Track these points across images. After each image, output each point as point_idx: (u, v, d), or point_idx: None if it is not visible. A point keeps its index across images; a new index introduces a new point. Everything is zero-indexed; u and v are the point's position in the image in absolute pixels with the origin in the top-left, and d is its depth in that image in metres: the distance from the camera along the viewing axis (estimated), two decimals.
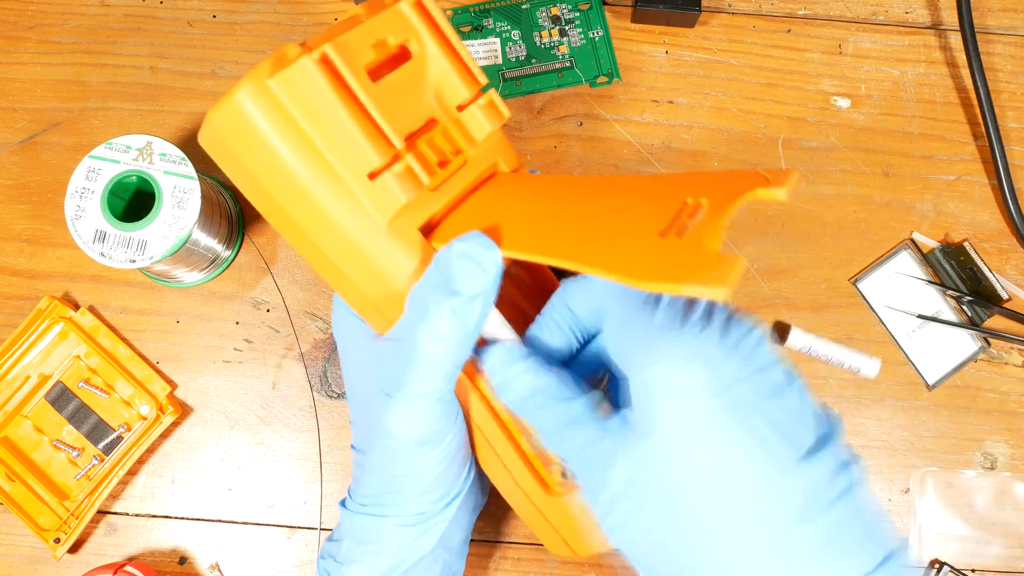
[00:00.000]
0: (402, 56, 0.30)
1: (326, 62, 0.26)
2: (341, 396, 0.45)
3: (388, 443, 0.29)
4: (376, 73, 0.28)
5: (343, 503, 0.33)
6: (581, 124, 0.49)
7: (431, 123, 0.30)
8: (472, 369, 0.30)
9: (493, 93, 0.31)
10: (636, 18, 0.49)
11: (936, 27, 0.51)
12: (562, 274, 0.35)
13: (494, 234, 0.28)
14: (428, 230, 0.30)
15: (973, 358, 0.47)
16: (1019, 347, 0.47)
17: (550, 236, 0.27)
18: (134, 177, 0.40)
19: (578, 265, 0.25)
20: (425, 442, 0.29)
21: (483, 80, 0.31)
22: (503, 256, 0.27)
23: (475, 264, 0.27)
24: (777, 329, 0.46)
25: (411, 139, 0.29)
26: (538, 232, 0.28)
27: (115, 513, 0.44)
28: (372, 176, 0.27)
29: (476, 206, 0.30)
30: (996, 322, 0.47)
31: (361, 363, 0.32)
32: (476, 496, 0.35)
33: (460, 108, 0.31)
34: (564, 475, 0.31)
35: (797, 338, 0.46)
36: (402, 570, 0.32)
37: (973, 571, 0.45)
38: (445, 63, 0.30)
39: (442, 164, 0.29)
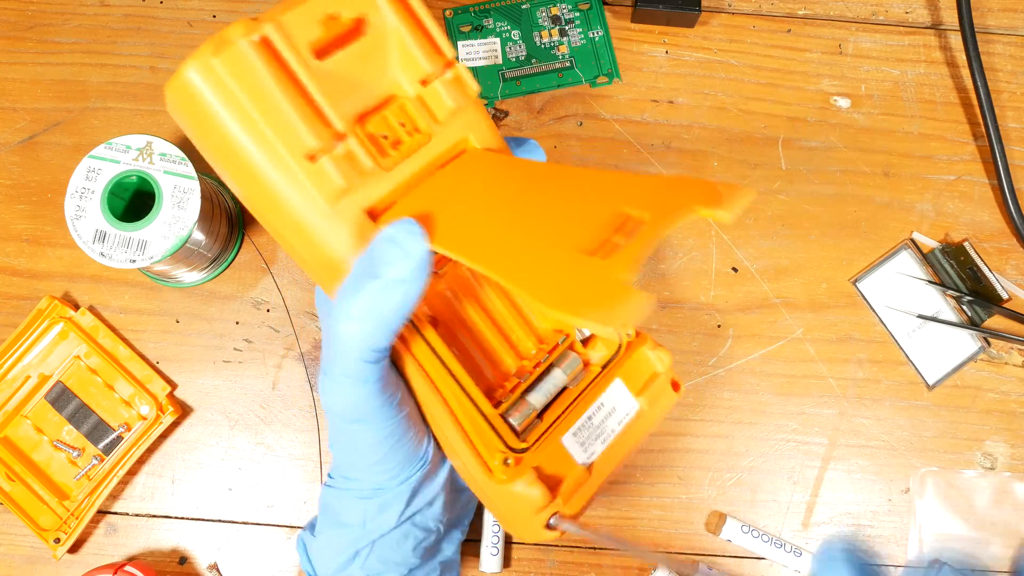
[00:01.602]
0: (357, 30, 0.29)
1: (265, 44, 0.26)
2: None
3: (330, 418, 0.30)
4: (325, 50, 0.28)
5: (323, 485, 0.34)
6: (581, 124, 0.49)
7: (390, 100, 0.29)
8: (411, 346, 0.30)
9: (460, 67, 0.30)
10: (636, 18, 0.49)
11: (936, 27, 0.51)
12: None
13: (431, 224, 0.28)
14: (378, 212, 0.29)
15: (973, 358, 0.47)
16: (1019, 347, 0.47)
17: (479, 237, 0.27)
18: (134, 177, 0.40)
19: (496, 276, 0.25)
20: (357, 420, 0.29)
21: (450, 54, 0.30)
22: (434, 250, 0.27)
23: (399, 250, 0.27)
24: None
25: (364, 117, 0.28)
26: (470, 230, 0.27)
27: (115, 513, 0.44)
28: (311, 159, 0.27)
29: (433, 188, 0.30)
30: (996, 322, 0.47)
31: (323, 336, 0.33)
32: (453, 481, 0.34)
33: (424, 83, 0.30)
34: (506, 462, 0.31)
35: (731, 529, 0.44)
36: (367, 541, 0.32)
37: (973, 571, 0.45)
38: (407, 36, 0.29)
39: (395, 144, 0.29)
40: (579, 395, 0.33)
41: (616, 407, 0.33)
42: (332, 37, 0.28)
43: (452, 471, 0.33)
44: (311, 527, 0.35)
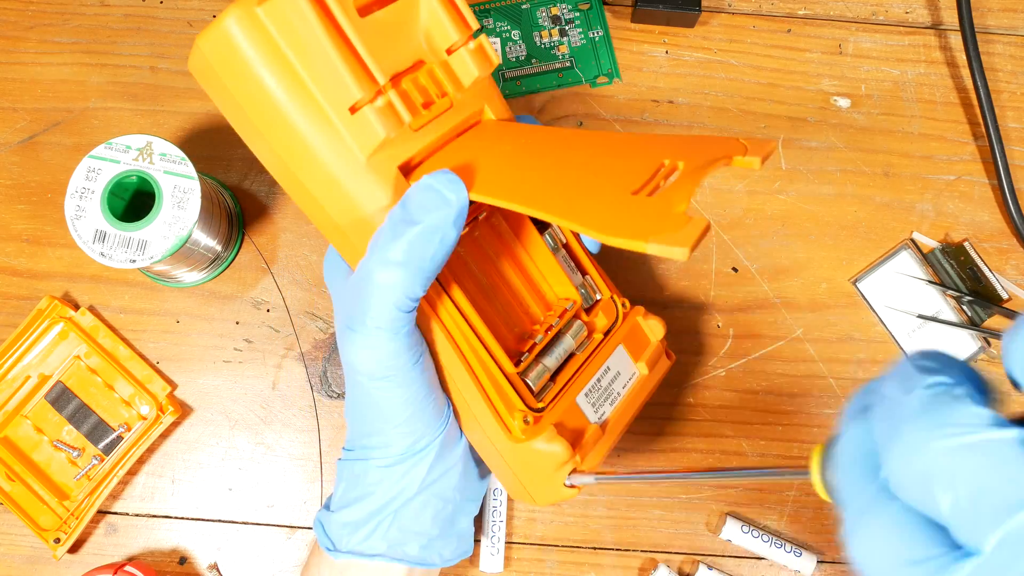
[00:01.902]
0: None
1: None
2: (341, 396, 0.45)
3: (356, 378, 0.30)
4: (366, 9, 0.28)
5: (339, 459, 0.34)
6: (581, 124, 0.49)
7: (419, 64, 0.30)
8: (436, 306, 0.31)
9: (484, 39, 0.31)
10: (636, 18, 0.49)
11: (936, 27, 0.51)
12: (544, 227, 0.36)
13: (468, 176, 0.28)
14: (408, 170, 0.30)
15: (973, 358, 0.47)
16: None
17: (524, 185, 0.28)
18: (134, 177, 0.40)
19: (546, 214, 0.25)
20: (386, 376, 0.29)
21: (475, 25, 0.31)
22: (475, 199, 0.28)
23: (437, 195, 0.27)
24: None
25: (397, 78, 0.29)
26: (513, 180, 0.28)
27: (115, 513, 0.44)
28: (353, 110, 0.28)
29: (458, 150, 0.31)
30: (996, 322, 0.47)
31: (338, 302, 0.33)
32: (469, 450, 0.34)
33: (449, 51, 0.31)
34: (526, 421, 0.31)
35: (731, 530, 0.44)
36: (390, 511, 0.32)
37: None
38: (436, 4, 0.30)
39: (426, 105, 0.30)
40: (586, 359, 0.34)
41: (620, 371, 0.35)
42: None
43: (466, 439, 0.34)
44: (325, 505, 0.35)
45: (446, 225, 0.27)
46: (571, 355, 0.34)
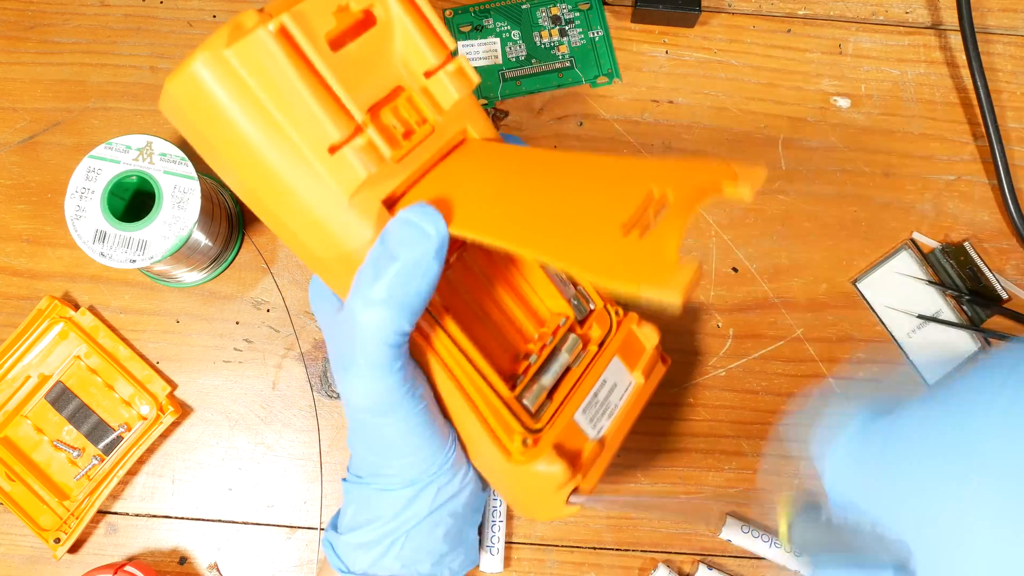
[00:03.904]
0: (367, 22, 0.29)
1: (284, 33, 0.26)
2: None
3: (356, 415, 0.30)
4: (338, 41, 0.28)
5: (344, 479, 0.34)
6: (581, 124, 0.49)
7: (397, 91, 0.29)
8: (430, 337, 0.30)
9: (462, 59, 0.31)
10: (636, 18, 0.49)
11: (936, 27, 0.51)
12: None
13: (450, 207, 0.28)
14: (392, 202, 0.29)
15: (973, 358, 0.47)
16: None
17: (508, 218, 0.27)
18: (134, 177, 0.40)
19: (534, 253, 0.25)
20: (385, 412, 0.29)
21: (451, 45, 0.30)
22: (457, 235, 0.27)
23: (416, 229, 0.27)
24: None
25: (375, 109, 0.28)
26: (496, 212, 0.28)
27: (115, 513, 0.44)
28: (332, 150, 0.27)
29: (441, 177, 0.30)
30: (996, 322, 0.47)
31: (329, 339, 0.32)
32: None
33: (428, 75, 0.30)
34: (525, 443, 0.31)
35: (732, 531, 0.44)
36: (402, 532, 0.32)
37: None
38: (412, 28, 0.29)
39: (407, 135, 0.29)
40: (582, 373, 0.34)
41: (617, 383, 0.35)
42: (345, 28, 0.28)
43: None
44: (333, 526, 0.35)
45: (427, 259, 0.27)
46: (567, 369, 0.34)
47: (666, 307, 0.22)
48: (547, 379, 0.33)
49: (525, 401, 0.32)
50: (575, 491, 0.31)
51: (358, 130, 0.27)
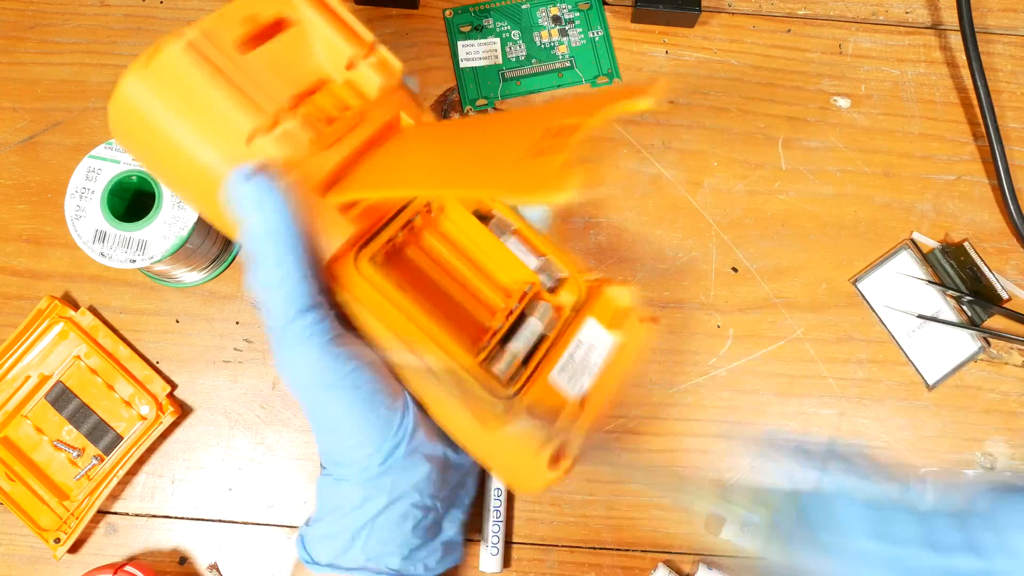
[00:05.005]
0: (279, 25, 0.32)
1: (192, 46, 0.29)
2: None
3: (300, 397, 0.31)
4: (249, 45, 0.30)
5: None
6: None
7: (320, 84, 0.32)
8: (389, 318, 0.31)
9: (382, 49, 0.33)
10: (636, 18, 0.49)
11: (936, 27, 0.51)
12: (487, 219, 0.37)
13: (378, 178, 0.31)
14: (327, 187, 0.31)
15: (973, 358, 0.47)
16: (1019, 347, 0.47)
17: (426, 171, 0.30)
18: (134, 177, 0.40)
19: (446, 189, 0.29)
20: (322, 386, 0.30)
21: (368, 38, 0.33)
22: (373, 196, 0.30)
23: (243, 206, 0.29)
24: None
25: (295, 101, 0.31)
26: (415, 170, 0.30)
27: (115, 513, 0.44)
28: (248, 140, 0.29)
29: (375, 163, 0.32)
30: (996, 322, 0.47)
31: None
32: (445, 457, 0.34)
33: (349, 67, 0.32)
34: (497, 409, 0.31)
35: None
36: (363, 523, 0.32)
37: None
38: (326, 26, 0.32)
39: (329, 122, 0.31)
40: (556, 339, 0.34)
41: (595, 343, 0.35)
42: (253, 33, 0.31)
43: (440, 444, 0.33)
44: (305, 520, 0.35)
45: (264, 225, 0.29)
46: (542, 338, 0.34)
47: (555, 204, 0.24)
48: (519, 345, 0.33)
49: (497, 368, 0.32)
50: (560, 454, 0.32)
51: (274, 119, 0.30)
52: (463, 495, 0.35)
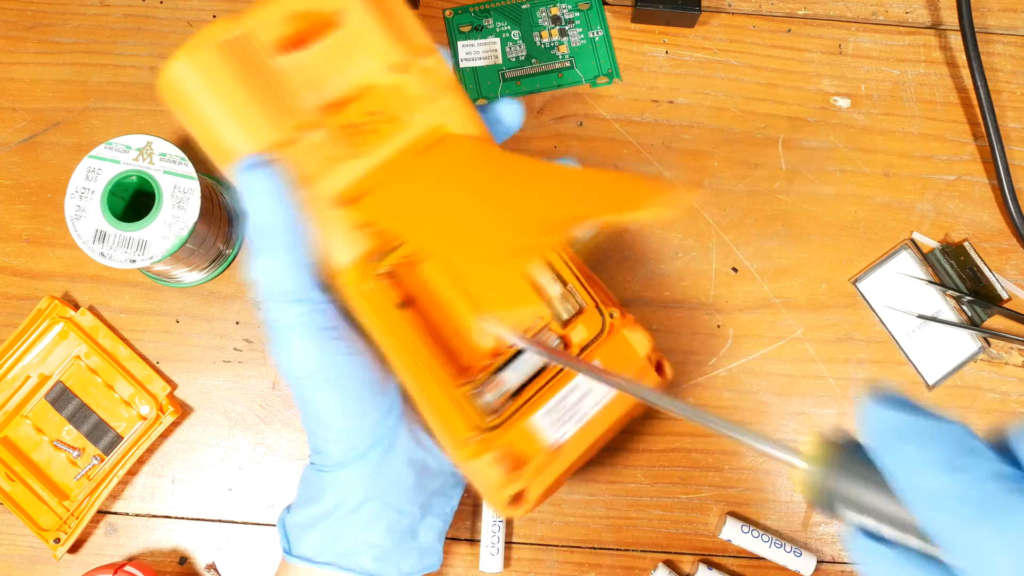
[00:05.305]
0: (332, 23, 0.30)
1: (229, 46, 0.28)
2: None
3: (293, 386, 0.31)
4: (292, 46, 0.29)
5: None
6: (581, 124, 0.49)
7: (364, 88, 0.31)
8: (388, 332, 0.31)
9: (437, 55, 0.31)
10: (636, 18, 0.49)
11: (936, 27, 0.51)
12: None
13: (403, 206, 0.30)
14: (359, 196, 0.30)
15: (973, 358, 0.47)
16: (1019, 347, 0.47)
17: (425, 217, 0.29)
18: (134, 177, 0.40)
19: (435, 253, 0.29)
20: (313, 374, 0.30)
21: (425, 43, 0.31)
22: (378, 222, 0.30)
23: (249, 197, 0.29)
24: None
25: (338, 107, 0.30)
26: (433, 215, 0.30)
27: (115, 513, 0.44)
28: (279, 147, 0.29)
29: (410, 174, 0.31)
30: (996, 322, 0.47)
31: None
32: (424, 463, 0.34)
33: (398, 72, 0.31)
34: (473, 439, 0.31)
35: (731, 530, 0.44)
36: (337, 517, 0.32)
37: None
38: (380, 27, 0.30)
39: (366, 131, 0.30)
40: (556, 375, 0.33)
41: (592, 388, 0.33)
42: (299, 32, 0.29)
43: (423, 450, 0.33)
44: (287, 506, 0.35)
45: (267, 217, 0.29)
46: (541, 370, 0.32)
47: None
48: (513, 377, 0.32)
49: (486, 397, 0.31)
50: (521, 495, 0.31)
51: (302, 129, 0.29)
52: (443, 503, 0.35)
